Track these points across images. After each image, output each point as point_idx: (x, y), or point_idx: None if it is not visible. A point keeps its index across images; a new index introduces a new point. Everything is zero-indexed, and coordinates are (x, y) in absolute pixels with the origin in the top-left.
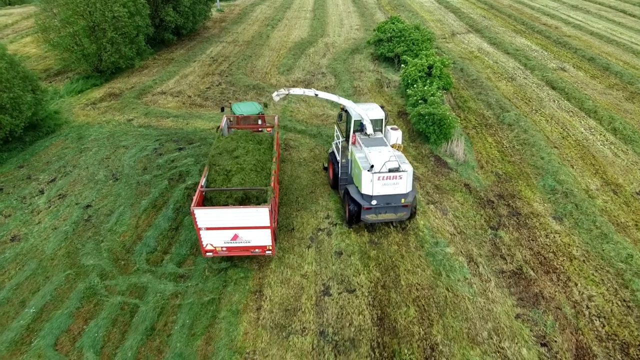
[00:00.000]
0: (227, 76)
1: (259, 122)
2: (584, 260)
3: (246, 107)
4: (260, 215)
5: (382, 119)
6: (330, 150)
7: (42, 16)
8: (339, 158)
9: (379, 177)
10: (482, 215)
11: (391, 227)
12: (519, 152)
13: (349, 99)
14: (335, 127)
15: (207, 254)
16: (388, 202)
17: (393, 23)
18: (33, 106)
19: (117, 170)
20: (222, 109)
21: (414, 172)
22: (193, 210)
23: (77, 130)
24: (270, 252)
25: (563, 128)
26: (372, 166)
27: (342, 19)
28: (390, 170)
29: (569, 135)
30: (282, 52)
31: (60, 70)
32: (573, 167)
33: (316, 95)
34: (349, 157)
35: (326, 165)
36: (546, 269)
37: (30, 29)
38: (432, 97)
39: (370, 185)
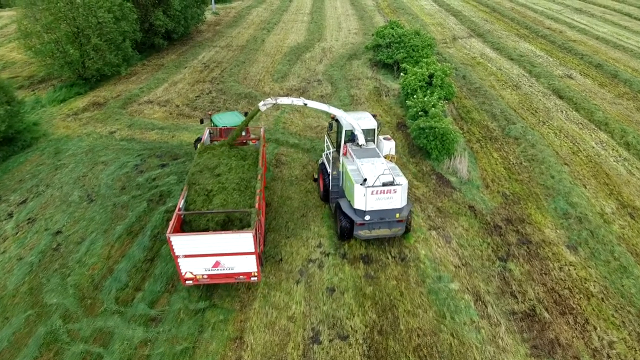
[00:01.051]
0: (218, 84)
1: (243, 133)
2: (602, 298)
3: (228, 118)
4: (244, 240)
5: (374, 129)
6: (320, 161)
7: (24, 21)
8: (329, 170)
9: (372, 192)
10: (489, 243)
11: (389, 256)
12: (527, 169)
13: (341, 109)
14: (326, 137)
15: (187, 282)
16: (382, 217)
17: (392, 28)
18: (7, 119)
19: (93, 190)
20: (202, 121)
21: (414, 192)
22: (169, 237)
23: (55, 144)
24: (255, 278)
25: (573, 142)
26: (365, 180)
27: (340, 22)
28: (384, 184)
29: (579, 150)
30: (277, 58)
31: (45, 78)
32: (586, 187)
33: (305, 104)
34: (340, 169)
35: (316, 176)
36: (562, 309)
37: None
38: (433, 109)
39: (364, 199)
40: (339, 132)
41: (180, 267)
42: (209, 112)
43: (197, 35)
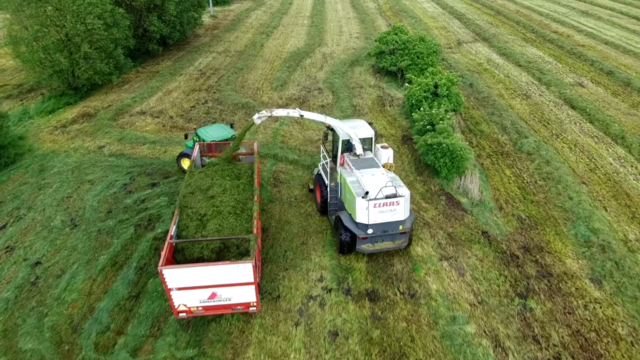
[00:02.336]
0: (214, 92)
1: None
2: (632, 342)
3: (215, 131)
4: (243, 270)
5: (371, 137)
6: (316, 172)
7: (14, 27)
8: (327, 181)
9: (375, 204)
10: (506, 276)
11: (398, 292)
12: (543, 189)
13: (338, 119)
14: (321, 147)
15: (180, 314)
16: (385, 230)
17: (396, 34)
18: None
19: (77, 214)
20: (186, 136)
21: (423, 216)
22: (161, 271)
23: (40, 160)
24: (254, 308)
25: (589, 158)
26: (366, 192)
27: (341, 25)
28: (387, 197)
29: (597, 167)
30: (276, 64)
31: (34, 87)
32: (607, 210)
33: (301, 116)
34: (339, 180)
35: (312, 187)
36: (589, 356)
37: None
38: (440, 123)
39: (366, 213)
40: (335, 142)
41: (173, 300)
42: (195, 127)
43: (195, 40)
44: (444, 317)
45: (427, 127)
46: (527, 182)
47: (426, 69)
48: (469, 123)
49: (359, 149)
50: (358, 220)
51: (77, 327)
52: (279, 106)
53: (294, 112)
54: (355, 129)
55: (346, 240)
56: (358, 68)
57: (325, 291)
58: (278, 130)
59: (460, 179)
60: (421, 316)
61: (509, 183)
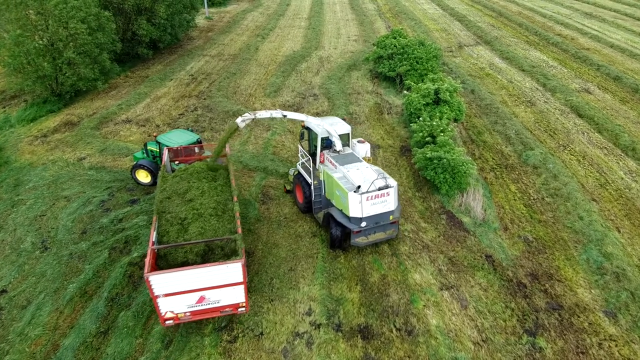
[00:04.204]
0: (205, 99)
1: (197, 150)
2: None
3: (178, 137)
4: (232, 271)
5: (348, 133)
6: (293, 172)
7: None
8: (310, 180)
9: (367, 197)
10: (513, 309)
11: (393, 328)
12: (551, 206)
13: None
14: (299, 147)
15: (167, 322)
16: (377, 221)
17: (395, 38)
18: None
19: (48, 235)
20: (145, 145)
21: (422, 237)
22: (147, 278)
23: (16, 174)
24: (243, 309)
25: (599, 172)
26: (358, 187)
27: (339, 27)
28: (380, 189)
29: (607, 182)
30: (270, 69)
31: (17, 93)
32: (620, 232)
33: (284, 116)
34: (322, 178)
35: (288, 187)
36: None
37: None
38: (441, 135)
39: (359, 206)
40: (313, 140)
41: (160, 308)
42: (155, 134)
43: (187, 43)
44: (445, 359)
45: (427, 138)
46: (533, 199)
47: (426, 74)
48: (471, 133)
49: (338, 145)
50: (352, 214)
51: None
52: (263, 108)
53: (277, 113)
54: (333, 126)
55: (337, 235)
56: (355, 73)
57: (314, 327)
58: (269, 141)
59: (462, 196)
60: (419, 358)
61: (514, 200)
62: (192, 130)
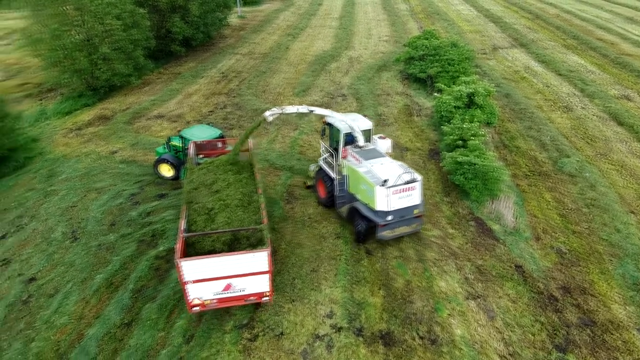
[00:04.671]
0: (234, 97)
1: (219, 145)
2: None
3: (201, 131)
4: (258, 260)
5: (370, 129)
6: (314, 168)
7: (33, 27)
8: (333, 175)
9: (394, 191)
10: (542, 323)
11: (416, 336)
12: (587, 217)
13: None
14: (322, 143)
15: (194, 309)
16: (402, 215)
17: (427, 39)
18: None
19: (79, 226)
20: (168, 140)
21: (449, 244)
22: (178, 263)
23: (50, 165)
24: (267, 298)
25: (639, 183)
26: (385, 180)
27: (370, 28)
28: (407, 182)
29: None
30: (300, 68)
31: (54, 86)
32: None
33: (311, 111)
34: (345, 173)
35: (309, 183)
36: None
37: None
38: (472, 139)
39: (386, 200)
40: (335, 136)
41: (188, 294)
42: (178, 129)
43: (220, 41)
44: None
45: (458, 142)
46: (568, 209)
47: (458, 76)
48: (504, 137)
49: (361, 140)
50: (378, 208)
51: (63, 356)
52: (290, 104)
53: (303, 109)
54: (355, 122)
55: (362, 229)
56: (385, 73)
57: (334, 330)
58: (296, 140)
59: (493, 203)
60: None
61: (548, 209)
62: (213, 126)
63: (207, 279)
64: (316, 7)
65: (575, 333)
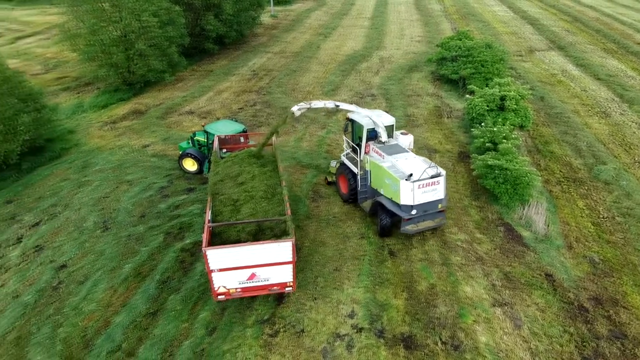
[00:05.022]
0: (264, 94)
1: (242, 140)
2: None
3: (225, 126)
4: (283, 250)
5: (392, 125)
6: (335, 164)
7: (71, 23)
8: (356, 170)
9: (419, 185)
10: (571, 334)
11: (439, 341)
12: (622, 227)
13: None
14: (344, 138)
15: (219, 297)
16: (426, 209)
17: (460, 39)
18: (32, 127)
19: (110, 216)
20: (193, 135)
21: (476, 249)
22: (205, 252)
23: (85, 156)
24: (290, 288)
25: None
26: (410, 175)
27: (402, 28)
28: (432, 177)
29: None
30: (330, 67)
31: (91, 81)
32: None
33: (337, 106)
34: (368, 168)
35: (330, 179)
36: None
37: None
38: (504, 143)
39: (411, 194)
40: (357, 132)
41: (214, 282)
42: (203, 124)
43: (252, 40)
44: None
45: (488, 145)
46: (603, 218)
47: (491, 78)
48: (538, 142)
49: (384, 136)
50: (403, 202)
51: (90, 342)
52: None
53: (330, 104)
54: (378, 118)
55: (387, 223)
56: (417, 74)
57: (355, 330)
58: (324, 139)
59: (524, 208)
60: None
61: (582, 217)
62: (236, 121)
63: (232, 267)
64: (348, 7)
65: (604, 346)
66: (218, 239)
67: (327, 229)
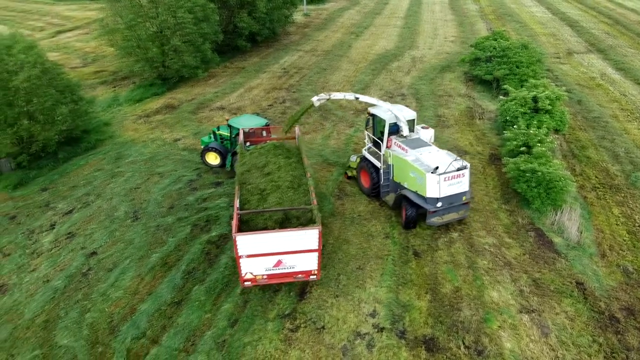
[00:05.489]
0: (294, 92)
1: (264, 134)
2: None
3: (248, 120)
4: (309, 237)
5: (414, 119)
6: (355, 159)
7: (109, 18)
8: (379, 164)
9: (445, 178)
10: (601, 344)
11: (462, 345)
12: None
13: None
14: (366, 133)
15: (245, 283)
16: (451, 202)
17: (495, 39)
18: (70, 118)
19: (140, 207)
20: (218, 128)
21: (504, 254)
22: (235, 237)
23: (119, 148)
24: (314, 276)
25: None
26: (436, 167)
27: (436, 28)
28: (458, 170)
29: None
30: (361, 66)
31: (128, 75)
32: None
33: (357, 98)
34: (390, 162)
35: (350, 174)
36: None
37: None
38: (538, 146)
39: (437, 187)
40: (379, 126)
41: (242, 268)
42: (227, 118)
43: (284, 38)
44: None
45: (522, 148)
46: (639, 226)
47: (527, 80)
48: (573, 146)
49: (405, 130)
50: (429, 195)
51: (115, 328)
52: (337, 91)
53: (350, 95)
54: (400, 112)
55: (412, 215)
56: (449, 74)
57: (376, 330)
58: (351, 137)
59: (556, 214)
60: None
61: (617, 225)
62: (259, 115)
63: (260, 254)
64: (382, 6)
65: (635, 357)
66: (246, 226)
67: (352, 227)
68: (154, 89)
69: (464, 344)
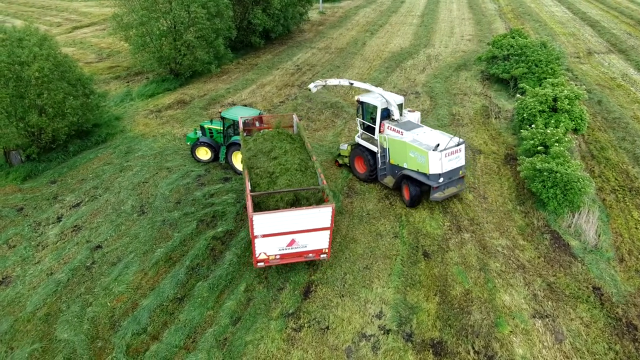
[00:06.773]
0: (306, 89)
1: (257, 124)
2: None
3: (241, 111)
4: (323, 215)
5: (402, 103)
6: (345, 147)
7: (124, 14)
8: (375, 149)
9: (445, 154)
10: (617, 352)
11: (471, 350)
12: None
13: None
14: (357, 120)
15: (258, 264)
16: (451, 177)
17: (513, 37)
18: (80, 111)
19: (147, 201)
20: (211, 121)
21: (518, 256)
22: (251, 217)
23: (129, 142)
24: (325, 255)
25: None
26: (437, 145)
27: (453, 26)
28: (458, 144)
29: None
30: (375, 64)
31: (141, 70)
32: None
33: (351, 84)
34: (385, 146)
35: (341, 162)
36: None
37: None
38: (556, 146)
39: (439, 163)
40: (370, 112)
41: (256, 248)
42: (219, 110)
43: (298, 35)
44: None
45: (539, 147)
46: None
47: (545, 78)
48: (592, 147)
49: (396, 114)
50: (431, 172)
51: (116, 323)
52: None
53: (344, 82)
54: (390, 97)
55: (417, 193)
56: (465, 73)
57: (382, 331)
58: None
59: (573, 216)
60: None
61: (636, 228)
62: (249, 107)
63: (275, 233)
64: (398, 5)
65: None
66: (258, 208)
67: (360, 225)
68: (166, 85)
69: (473, 348)
